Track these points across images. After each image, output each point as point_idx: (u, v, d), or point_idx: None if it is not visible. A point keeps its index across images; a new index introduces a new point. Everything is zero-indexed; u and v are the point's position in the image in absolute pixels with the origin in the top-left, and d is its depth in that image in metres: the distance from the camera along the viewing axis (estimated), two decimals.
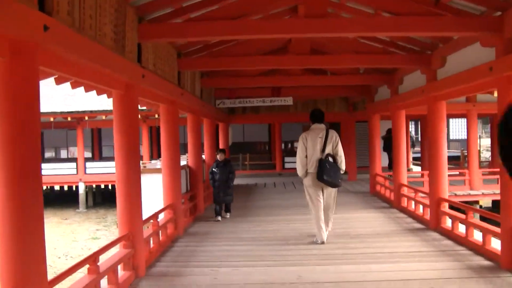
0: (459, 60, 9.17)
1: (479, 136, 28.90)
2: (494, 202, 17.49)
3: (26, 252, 4.25)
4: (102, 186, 27.48)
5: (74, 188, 26.43)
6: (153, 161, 19.41)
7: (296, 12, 10.04)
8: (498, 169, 13.58)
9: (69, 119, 24.89)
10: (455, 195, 17.20)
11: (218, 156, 12.25)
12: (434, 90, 10.08)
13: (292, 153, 26.87)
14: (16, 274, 4.18)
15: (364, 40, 11.45)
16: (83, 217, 23.61)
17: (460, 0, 7.61)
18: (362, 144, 23.94)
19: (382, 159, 17.13)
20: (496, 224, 7.85)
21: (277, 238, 9.81)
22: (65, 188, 29.88)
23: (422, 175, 18.53)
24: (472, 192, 18.00)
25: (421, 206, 11.55)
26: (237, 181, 21.88)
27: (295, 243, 9.26)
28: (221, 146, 19.88)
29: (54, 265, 14.75)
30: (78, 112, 23.68)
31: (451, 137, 48.12)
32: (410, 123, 26.12)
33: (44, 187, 28.51)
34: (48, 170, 25.33)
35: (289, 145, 30.70)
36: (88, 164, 25.71)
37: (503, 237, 7.38)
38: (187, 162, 13.59)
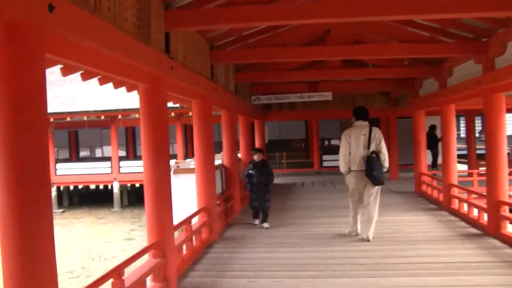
0: None
1: None
2: None
3: (32, 261, 3.61)
4: (137, 185, 27.06)
5: (109, 187, 26.12)
6: (187, 160, 18.79)
7: None
8: None
9: (102, 117, 24.59)
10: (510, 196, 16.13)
11: (255, 157, 11.08)
12: (493, 81, 9.15)
13: (330, 150, 26.08)
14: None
15: (410, 28, 10.58)
16: (118, 216, 23.18)
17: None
18: (403, 141, 23.01)
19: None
20: None
21: (319, 243, 9.05)
22: (101, 187, 29.70)
23: (471, 174, 17.43)
24: None
25: (475, 209, 10.62)
26: (274, 181, 21.22)
27: (340, 250, 8.48)
28: (257, 144, 19.18)
29: (87, 267, 14.27)
30: (111, 110, 23.35)
31: None
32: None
33: (80, 186, 28.34)
34: (83, 169, 25.13)
35: (327, 142, 29.80)
36: (122, 163, 25.38)
37: None
38: (222, 161, 12.91)
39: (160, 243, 6.38)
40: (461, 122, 37.07)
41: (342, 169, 9.15)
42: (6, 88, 3.48)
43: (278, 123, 29.33)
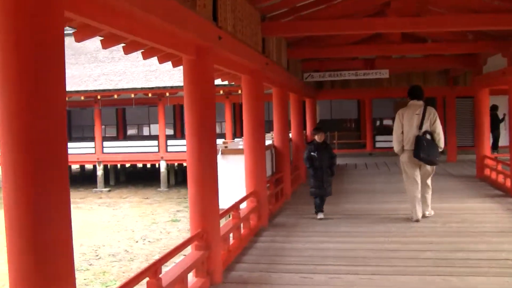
0: None
1: None
2: None
3: (47, 252, 3.02)
4: (184, 165, 26.60)
5: (157, 166, 25.77)
6: (236, 140, 18.15)
7: None
8: None
9: (150, 95, 24.21)
10: None
11: (316, 137, 9.66)
12: None
13: (383, 131, 25.11)
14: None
15: None
16: (164, 196, 22.80)
17: None
18: (462, 122, 21.88)
19: None
20: None
21: (378, 233, 8.26)
22: (148, 166, 29.41)
23: None
24: None
25: None
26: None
27: (401, 241, 7.66)
28: (308, 124, 18.40)
29: (131, 250, 13.82)
30: (158, 88, 22.99)
31: None
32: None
33: (127, 165, 28.14)
34: (130, 147, 24.82)
35: (379, 122, 28.77)
36: (170, 142, 24.95)
37: None
38: (272, 141, 12.21)
39: (204, 233, 5.72)
40: None
41: (396, 148, 9.07)
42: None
43: (329, 102, 28.48)
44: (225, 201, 8.10)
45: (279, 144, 11.91)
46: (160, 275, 4.64)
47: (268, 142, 11.88)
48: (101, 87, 23.56)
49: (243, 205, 8.40)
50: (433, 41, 13.83)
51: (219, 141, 17.06)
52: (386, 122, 28.00)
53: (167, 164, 24.83)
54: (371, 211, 10.06)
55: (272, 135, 12.62)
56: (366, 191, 12.70)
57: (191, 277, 5.61)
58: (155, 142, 24.92)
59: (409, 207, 9.18)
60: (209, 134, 5.93)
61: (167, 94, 23.80)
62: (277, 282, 6.01)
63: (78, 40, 4.63)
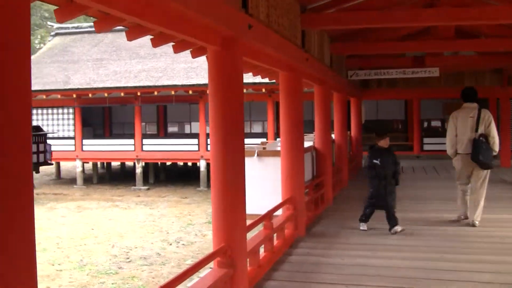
0: None
1: None
2: None
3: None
4: None
5: (198, 165, 25.23)
6: (277, 140, 17.43)
7: None
8: None
9: (190, 92, 23.70)
10: None
11: (381, 142, 8.51)
12: None
13: (432, 133, 24.07)
14: None
15: None
16: (203, 196, 22.20)
17: None
18: None
19: None
20: None
21: (427, 247, 7.42)
22: (189, 164, 28.90)
23: None
24: None
25: None
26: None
27: (456, 260, 6.76)
28: (353, 124, 17.58)
29: (163, 254, 13.22)
30: (199, 85, 22.46)
31: None
32: None
33: (168, 163, 27.70)
34: (170, 146, 24.37)
35: (426, 124, 27.66)
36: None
37: None
38: (313, 143, 11.45)
39: (228, 249, 5.01)
40: None
41: (449, 151, 8.93)
42: None
43: (375, 102, 27.55)
44: (261, 208, 7.47)
45: (321, 146, 11.16)
46: None
47: (308, 143, 11.15)
48: (141, 84, 23.16)
49: (279, 212, 7.71)
50: (487, 36, 12.90)
51: (258, 141, 16.41)
52: (434, 123, 26.96)
53: (207, 163, 24.25)
54: (421, 221, 9.20)
55: (313, 136, 11.82)
56: (415, 198, 11.80)
57: None
58: (195, 141, 24.39)
59: (458, 205, 9.07)
60: (236, 135, 5.22)
61: (208, 91, 23.24)
62: None
63: (99, 29, 4.15)
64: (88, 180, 26.26)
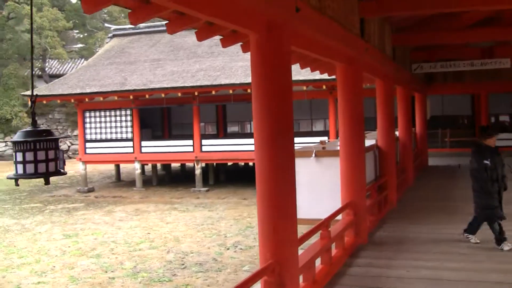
0: None
1: None
2: None
3: None
4: None
5: None
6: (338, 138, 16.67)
7: None
8: None
9: (249, 91, 23.17)
10: None
11: (489, 140, 7.30)
12: None
13: (500, 128, 22.82)
14: None
15: None
16: None
17: None
18: None
19: None
20: None
21: (502, 258, 6.61)
22: (250, 164, 28.40)
23: None
24: None
25: None
26: (436, 162, 18.62)
27: None
28: (417, 121, 16.68)
29: (220, 259, 12.69)
30: None
31: None
32: None
33: (229, 164, 27.30)
34: (229, 146, 23.95)
35: (493, 119, 26.37)
36: None
37: None
38: (376, 141, 10.70)
39: (277, 266, 4.37)
40: None
41: None
42: None
43: (440, 97, 26.45)
44: (321, 212, 7.03)
45: (384, 144, 10.42)
46: None
47: (370, 142, 10.42)
48: (198, 83, 22.76)
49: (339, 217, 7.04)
50: None
51: (317, 139, 15.74)
52: (502, 118, 25.73)
53: None
54: None
55: (375, 134, 11.08)
56: None
57: None
58: (252, 140, 23.86)
59: None
60: (284, 134, 4.57)
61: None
62: None
63: (133, 22, 3.82)
64: (147, 182, 26.07)
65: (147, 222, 17.29)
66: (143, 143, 24.78)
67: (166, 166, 27.82)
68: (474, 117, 26.39)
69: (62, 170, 3.50)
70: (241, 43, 5.13)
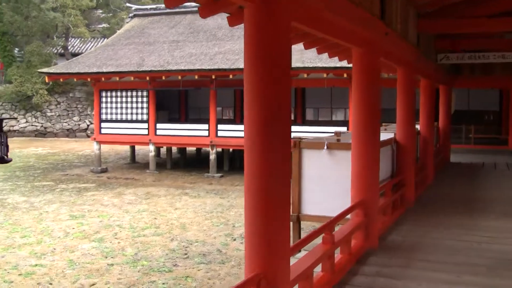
0: None
1: None
2: None
3: None
4: None
5: None
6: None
7: None
8: None
9: None
10: None
11: None
12: None
13: None
14: None
15: None
16: None
17: None
18: None
19: None
20: None
21: None
22: None
23: None
24: None
25: None
26: (458, 159, 17.84)
27: None
28: (441, 115, 15.88)
29: (225, 250, 12.12)
30: None
31: None
32: None
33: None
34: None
35: None
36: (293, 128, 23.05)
37: None
38: (394, 135, 9.96)
39: (262, 279, 3.72)
40: None
41: None
42: None
43: (466, 91, 25.47)
44: (333, 210, 6.65)
45: (403, 139, 9.67)
46: None
47: (388, 135, 9.71)
48: (216, 66, 22.10)
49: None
50: None
51: (332, 129, 15.04)
52: None
53: None
54: None
55: (394, 126, 10.36)
56: (509, 201, 10.14)
57: None
58: None
59: None
60: (278, 121, 3.91)
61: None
62: None
63: (168, 5, 3.84)
64: (162, 165, 25.57)
65: (156, 206, 16.77)
66: (158, 125, 24.22)
67: (182, 150, 27.22)
68: (502, 114, 25.42)
69: (5, 157, 2.91)
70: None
